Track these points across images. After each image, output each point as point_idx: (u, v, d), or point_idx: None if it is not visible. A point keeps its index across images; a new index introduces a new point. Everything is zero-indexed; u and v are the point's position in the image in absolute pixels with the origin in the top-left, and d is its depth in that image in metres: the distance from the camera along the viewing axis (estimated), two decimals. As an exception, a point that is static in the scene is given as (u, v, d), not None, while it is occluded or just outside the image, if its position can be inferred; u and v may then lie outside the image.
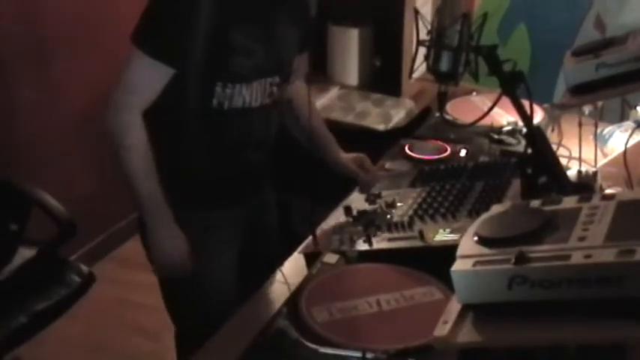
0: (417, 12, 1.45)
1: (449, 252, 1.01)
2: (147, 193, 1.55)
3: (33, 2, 2.54)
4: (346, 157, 1.81)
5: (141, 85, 1.51)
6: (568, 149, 1.84)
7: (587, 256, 0.87)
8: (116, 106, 1.52)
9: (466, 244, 1.01)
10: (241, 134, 1.61)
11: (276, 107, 1.67)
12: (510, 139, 1.90)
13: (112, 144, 1.53)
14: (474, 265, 0.95)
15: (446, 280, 1.10)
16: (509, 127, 1.93)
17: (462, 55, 1.41)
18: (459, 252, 0.99)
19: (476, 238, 1.01)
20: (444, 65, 1.42)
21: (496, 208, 1.09)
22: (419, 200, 1.53)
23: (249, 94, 1.56)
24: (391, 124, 2.21)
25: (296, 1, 1.64)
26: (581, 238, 0.91)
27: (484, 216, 1.07)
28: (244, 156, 1.65)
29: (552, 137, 1.90)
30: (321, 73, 2.58)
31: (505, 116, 1.97)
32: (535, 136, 1.35)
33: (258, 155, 1.69)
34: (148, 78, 1.51)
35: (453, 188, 1.55)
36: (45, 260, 1.81)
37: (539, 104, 2.01)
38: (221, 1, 1.46)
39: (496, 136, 1.91)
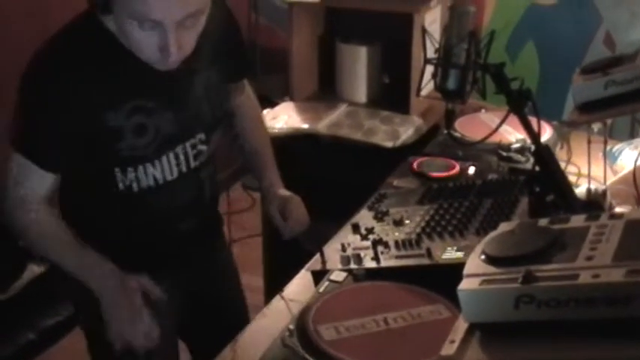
0: (424, 31, 1.46)
1: (456, 270, 1.01)
2: (75, 265, 1.38)
3: (46, 23, 2.56)
4: (278, 193, 1.65)
5: (25, 182, 1.37)
6: (577, 166, 1.84)
7: (595, 276, 0.86)
8: (9, 201, 1.38)
9: (473, 262, 1.00)
10: (162, 209, 1.49)
11: (212, 162, 1.56)
12: (519, 157, 1.89)
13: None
14: (481, 284, 0.94)
15: (454, 298, 1.09)
16: (517, 145, 1.92)
17: (470, 73, 1.42)
18: (466, 271, 0.99)
19: (483, 257, 1.01)
20: (452, 83, 1.43)
21: (503, 227, 1.09)
22: (427, 218, 1.53)
23: (160, 171, 1.44)
24: (399, 142, 2.21)
25: (205, 45, 1.41)
26: (589, 258, 0.91)
27: (491, 234, 1.07)
28: (169, 227, 1.53)
29: (561, 154, 1.89)
30: (329, 91, 2.59)
31: (514, 133, 1.97)
32: (543, 154, 1.35)
33: (190, 221, 1.56)
34: (29, 177, 1.36)
35: (461, 206, 1.55)
36: (54, 276, 1.82)
37: (548, 121, 2.01)
38: (87, 90, 1.31)
39: (505, 154, 1.91)
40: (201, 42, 1.36)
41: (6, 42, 2.52)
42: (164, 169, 1.44)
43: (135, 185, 1.42)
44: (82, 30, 1.35)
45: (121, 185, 1.42)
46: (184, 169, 1.48)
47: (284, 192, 1.67)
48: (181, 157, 1.47)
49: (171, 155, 1.45)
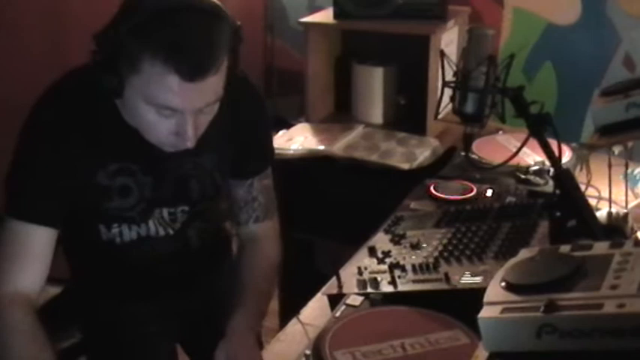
0: (442, 54, 1.45)
1: (475, 295, 1.00)
2: None
3: (61, 40, 2.59)
4: (236, 343, 1.34)
5: (17, 262, 1.31)
6: (597, 189, 1.81)
7: (620, 306, 0.85)
8: None
9: (493, 290, 0.99)
10: (144, 258, 1.48)
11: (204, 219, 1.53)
12: (538, 179, 1.87)
13: None
14: (502, 312, 0.93)
15: (472, 324, 1.08)
16: (536, 167, 1.90)
17: (488, 97, 1.41)
18: (487, 298, 0.97)
19: (503, 284, 0.99)
20: (470, 107, 1.42)
21: (524, 253, 1.07)
22: (444, 241, 1.51)
23: (146, 230, 1.45)
24: (416, 163, 2.19)
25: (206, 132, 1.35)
26: (614, 287, 0.89)
27: (512, 261, 1.06)
28: (153, 271, 1.52)
29: (580, 177, 1.87)
30: (345, 112, 2.58)
31: (532, 156, 1.95)
32: (564, 179, 1.33)
33: (174, 266, 1.53)
34: (23, 251, 1.31)
35: (479, 230, 1.53)
36: (70, 298, 1.81)
37: (567, 143, 1.99)
38: (80, 147, 1.32)
39: (523, 176, 1.89)
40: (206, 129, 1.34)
41: (21, 63, 2.55)
42: (148, 229, 1.45)
43: (117, 239, 1.43)
44: (80, 86, 1.33)
45: (104, 237, 1.43)
46: (160, 232, 1.47)
47: (246, 341, 1.36)
48: (160, 222, 1.46)
49: (156, 218, 1.45)
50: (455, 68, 1.45)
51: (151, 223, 1.44)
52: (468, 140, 1.48)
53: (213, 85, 1.23)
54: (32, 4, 2.58)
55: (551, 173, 1.82)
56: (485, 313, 0.94)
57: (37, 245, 1.32)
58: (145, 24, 1.18)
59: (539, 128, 1.34)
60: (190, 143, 1.28)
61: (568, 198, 1.32)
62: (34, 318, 1.29)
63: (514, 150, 1.50)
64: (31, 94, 1.36)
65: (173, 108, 1.22)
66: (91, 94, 1.29)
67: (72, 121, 1.32)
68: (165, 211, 1.45)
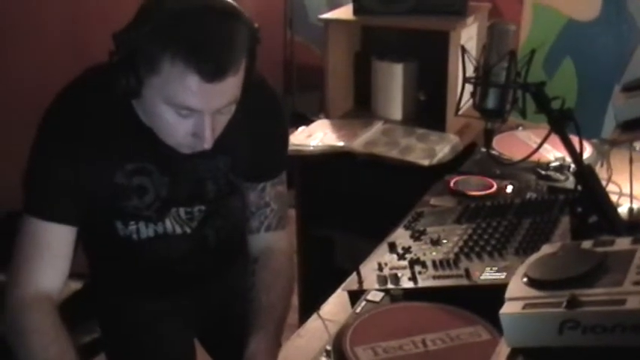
0: (464, 50, 1.45)
1: (496, 291, 1.00)
2: None
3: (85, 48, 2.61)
4: None
5: (37, 261, 1.31)
6: (618, 185, 1.80)
7: (643, 302, 0.84)
8: (14, 285, 1.30)
9: (515, 285, 0.99)
10: (163, 256, 1.48)
11: (221, 215, 1.51)
12: (558, 175, 1.87)
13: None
14: (524, 307, 0.93)
15: (493, 320, 1.08)
16: (556, 163, 1.90)
17: (510, 92, 1.40)
18: (508, 294, 0.97)
19: (525, 280, 0.99)
20: (491, 103, 1.42)
21: (546, 249, 1.07)
22: (465, 237, 1.51)
23: (162, 228, 1.44)
24: (436, 160, 2.19)
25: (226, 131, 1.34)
26: (637, 282, 0.89)
27: (533, 257, 1.05)
28: (172, 269, 1.52)
29: (601, 173, 1.85)
30: (364, 108, 2.58)
31: (552, 151, 1.94)
32: (586, 174, 1.33)
33: (191, 264, 1.53)
34: (49, 245, 1.32)
35: (500, 225, 1.53)
36: (92, 293, 1.83)
37: (587, 139, 1.98)
38: (96, 147, 1.32)
39: (543, 172, 1.88)
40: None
41: (43, 64, 2.57)
42: (165, 227, 1.45)
43: (135, 236, 1.43)
44: (97, 86, 1.33)
45: (120, 233, 1.42)
46: (188, 230, 1.48)
47: None
48: (176, 220, 1.46)
49: (173, 216, 1.45)
50: (475, 64, 1.44)
51: (167, 221, 1.45)
52: (488, 136, 1.48)
53: (231, 86, 1.24)
54: (52, 5, 2.60)
55: (571, 169, 1.82)
56: (507, 308, 0.94)
57: (56, 243, 1.33)
58: (166, 24, 1.18)
59: (561, 124, 1.34)
60: (207, 145, 1.28)
61: (590, 194, 1.32)
62: (56, 318, 1.30)
63: (534, 146, 1.50)
64: (49, 93, 1.36)
65: (192, 108, 1.23)
66: (108, 94, 1.28)
67: (88, 121, 1.32)
68: (181, 210, 1.46)
